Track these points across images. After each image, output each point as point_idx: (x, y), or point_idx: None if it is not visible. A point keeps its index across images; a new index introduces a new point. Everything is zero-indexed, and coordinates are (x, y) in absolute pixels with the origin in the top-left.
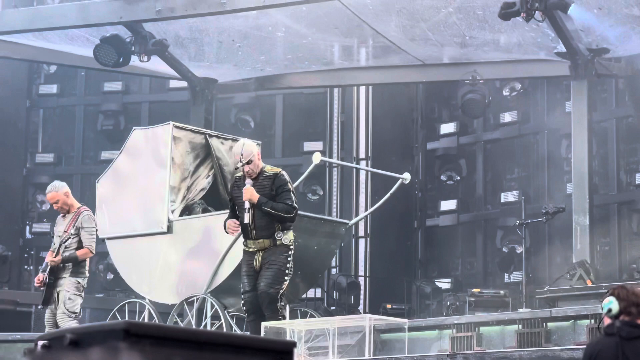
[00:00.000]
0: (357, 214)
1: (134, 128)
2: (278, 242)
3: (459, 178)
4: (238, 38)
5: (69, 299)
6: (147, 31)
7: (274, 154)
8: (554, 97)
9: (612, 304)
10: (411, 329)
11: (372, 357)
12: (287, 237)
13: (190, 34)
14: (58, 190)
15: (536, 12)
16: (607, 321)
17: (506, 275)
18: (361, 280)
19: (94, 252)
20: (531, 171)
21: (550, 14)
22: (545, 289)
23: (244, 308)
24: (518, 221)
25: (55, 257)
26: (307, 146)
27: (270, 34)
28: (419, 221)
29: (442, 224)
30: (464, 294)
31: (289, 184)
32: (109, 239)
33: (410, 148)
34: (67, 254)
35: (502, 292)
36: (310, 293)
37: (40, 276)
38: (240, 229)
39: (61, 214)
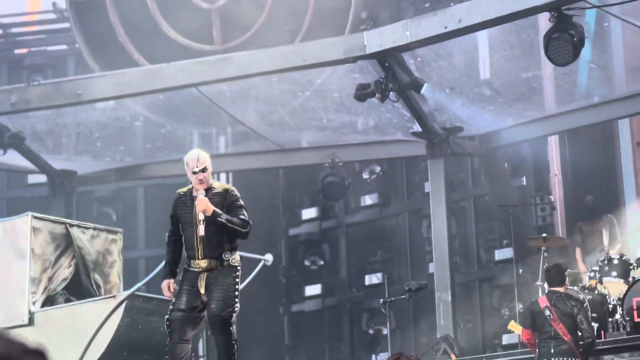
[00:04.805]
0: None
1: None
2: (225, 263)
3: (322, 262)
4: (96, 129)
5: None
6: (3, 125)
7: (137, 246)
8: (413, 179)
9: None
10: None
11: None
12: (235, 258)
13: (47, 126)
14: None
15: (391, 92)
16: None
17: (373, 356)
18: None
19: None
20: (394, 253)
21: (404, 94)
22: None
23: (170, 326)
24: (382, 300)
25: None
26: None
27: (129, 124)
28: (285, 307)
29: (307, 309)
30: None
31: (240, 200)
32: None
33: (273, 234)
34: None
35: None
36: None
37: None
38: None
39: None
